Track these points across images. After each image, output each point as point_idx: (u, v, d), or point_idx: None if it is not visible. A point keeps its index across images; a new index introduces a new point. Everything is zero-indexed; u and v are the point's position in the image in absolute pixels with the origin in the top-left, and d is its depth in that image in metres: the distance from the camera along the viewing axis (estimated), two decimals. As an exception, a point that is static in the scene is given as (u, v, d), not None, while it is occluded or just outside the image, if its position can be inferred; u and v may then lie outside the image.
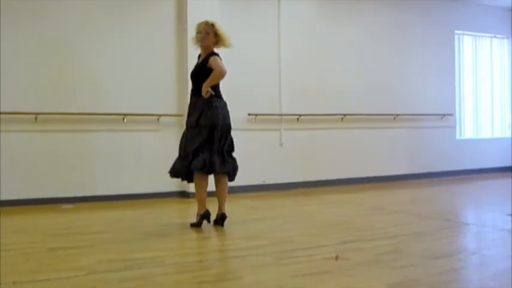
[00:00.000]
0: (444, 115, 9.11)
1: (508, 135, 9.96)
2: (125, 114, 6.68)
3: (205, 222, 4.70)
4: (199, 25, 4.79)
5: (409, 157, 8.80)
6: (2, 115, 6.04)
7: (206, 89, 4.58)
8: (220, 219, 4.74)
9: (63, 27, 6.46)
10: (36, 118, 6.22)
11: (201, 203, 4.70)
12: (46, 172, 6.33)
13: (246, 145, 7.37)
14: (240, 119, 7.30)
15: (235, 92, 7.22)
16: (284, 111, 7.74)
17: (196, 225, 4.68)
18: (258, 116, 7.46)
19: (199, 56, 4.94)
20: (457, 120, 9.47)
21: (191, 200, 6.55)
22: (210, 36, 4.72)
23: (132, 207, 6.17)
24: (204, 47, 4.78)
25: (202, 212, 4.68)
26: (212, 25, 4.75)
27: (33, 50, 6.32)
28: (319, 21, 8.14)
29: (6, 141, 6.11)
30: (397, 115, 8.62)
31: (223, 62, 4.72)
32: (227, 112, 4.76)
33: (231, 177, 4.84)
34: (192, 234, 4.57)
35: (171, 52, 7.07)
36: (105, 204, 6.32)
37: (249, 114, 7.38)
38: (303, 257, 3.56)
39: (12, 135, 6.15)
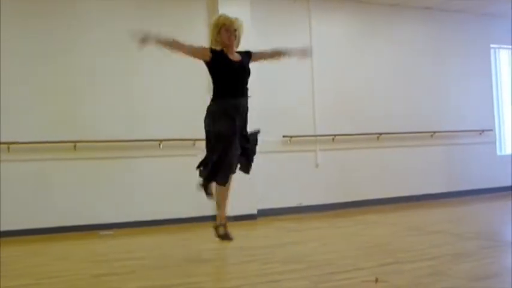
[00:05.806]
0: (483, 131, 8.94)
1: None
2: (161, 140, 6.79)
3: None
4: (236, 20, 4.60)
5: (447, 175, 8.65)
6: (43, 144, 6.24)
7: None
8: None
9: (100, 55, 6.67)
10: (75, 146, 6.40)
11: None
12: (85, 199, 6.48)
13: (281, 167, 7.44)
14: (275, 141, 7.36)
15: (270, 115, 7.33)
16: (319, 132, 7.74)
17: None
18: (293, 138, 7.48)
19: (219, 52, 4.74)
20: (497, 136, 9.29)
21: (229, 223, 6.59)
22: None
23: (171, 232, 6.24)
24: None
25: None
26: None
27: (71, 79, 6.54)
28: (352, 39, 8.16)
29: (46, 170, 6.32)
30: (435, 132, 8.50)
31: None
32: None
33: None
34: (230, 259, 4.59)
35: (204, 78, 7.15)
36: (144, 230, 6.41)
37: (283, 136, 7.41)
38: (342, 280, 3.52)
39: (52, 164, 6.35)
